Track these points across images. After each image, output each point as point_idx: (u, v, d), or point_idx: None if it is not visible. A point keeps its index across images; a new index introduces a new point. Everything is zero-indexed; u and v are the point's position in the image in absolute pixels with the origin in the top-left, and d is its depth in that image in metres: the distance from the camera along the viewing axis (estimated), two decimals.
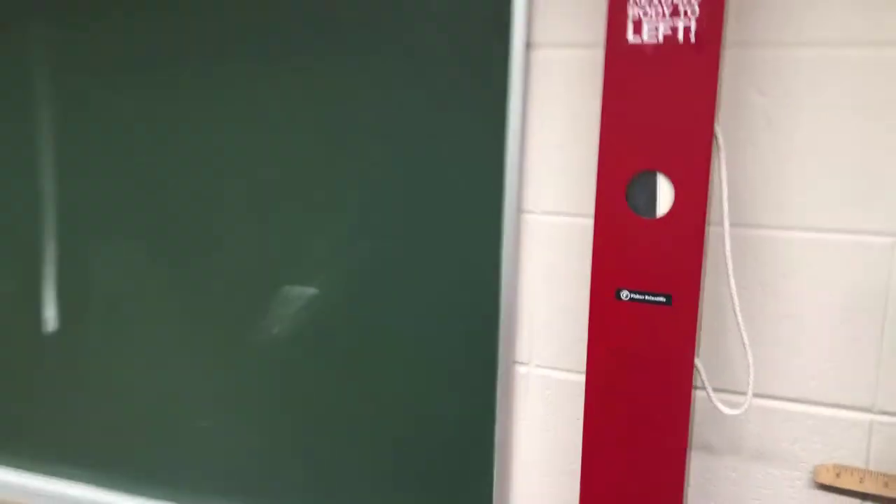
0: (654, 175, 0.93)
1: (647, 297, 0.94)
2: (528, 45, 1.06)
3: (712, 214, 1.01)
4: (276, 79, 1.17)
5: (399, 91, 1.11)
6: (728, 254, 0.97)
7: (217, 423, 1.30)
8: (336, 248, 1.18)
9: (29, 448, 1.43)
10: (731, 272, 0.97)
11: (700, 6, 0.88)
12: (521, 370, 1.14)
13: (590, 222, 1.06)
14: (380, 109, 1.12)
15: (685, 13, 0.88)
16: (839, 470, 1.01)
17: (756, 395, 1.03)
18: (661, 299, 0.94)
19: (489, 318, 1.12)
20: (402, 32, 1.10)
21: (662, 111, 0.91)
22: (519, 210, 1.10)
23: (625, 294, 0.95)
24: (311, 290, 1.22)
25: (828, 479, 1.01)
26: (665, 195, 0.93)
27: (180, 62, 1.22)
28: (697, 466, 1.08)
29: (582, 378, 1.10)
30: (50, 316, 1.38)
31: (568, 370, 1.11)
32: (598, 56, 1.03)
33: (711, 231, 1.02)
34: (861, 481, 1.00)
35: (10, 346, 1.41)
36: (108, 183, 1.30)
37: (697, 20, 0.88)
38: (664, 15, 0.89)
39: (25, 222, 1.36)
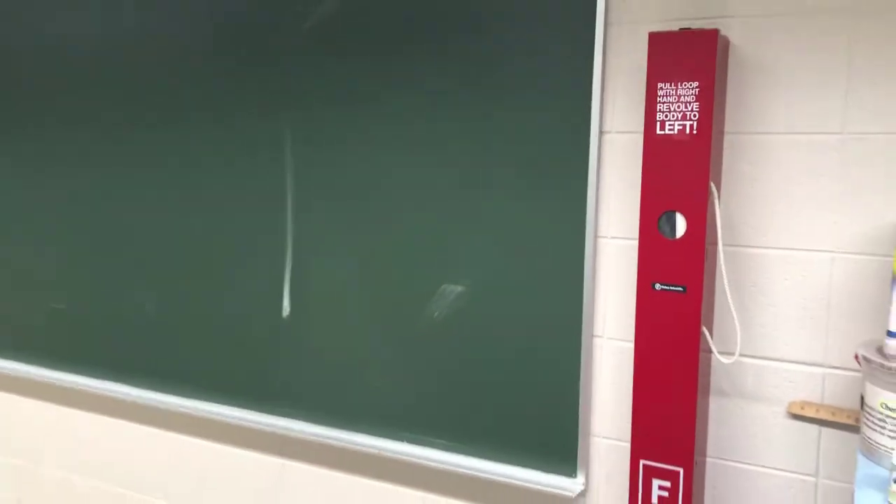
0: (675, 213, 1.53)
1: (671, 288, 1.54)
2: (601, 132, 1.69)
3: (713, 237, 1.59)
4: (447, 129, 1.84)
5: (519, 154, 1.75)
6: (721, 261, 1.55)
7: (396, 377, 1.95)
8: (474, 261, 1.82)
9: (271, 396, 2.13)
10: (724, 273, 1.55)
11: (699, 114, 1.48)
12: (597, 341, 1.74)
13: (636, 242, 1.66)
14: (511, 166, 1.77)
15: (690, 117, 1.49)
16: (803, 404, 1.56)
17: (748, 356, 1.59)
18: (680, 289, 1.53)
19: (576, 306, 1.73)
20: (520, 120, 1.74)
21: (678, 174, 1.51)
22: (596, 235, 1.71)
23: (658, 286, 1.55)
24: (459, 288, 1.86)
25: (795, 410, 1.56)
26: (681, 225, 1.52)
27: (373, 138, 1.91)
28: (714, 406, 1.64)
29: (633, 345, 1.69)
30: (286, 305, 2.08)
31: (625, 340, 1.70)
32: (640, 139, 1.64)
33: (718, 248, 1.60)
34: (817, 412, 1.54)
35: (260, 326, 2.12)
36: (324, 220, 1.99)
37: (697, 122, 1.48)
38: (678, 118, 1.50)
39: (274, 245, 2.08)
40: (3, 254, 2.53)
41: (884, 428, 1.30)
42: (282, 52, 2.00)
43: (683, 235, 1.52)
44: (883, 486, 1.25)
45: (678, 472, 1.56)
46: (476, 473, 1.85)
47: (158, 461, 2.38)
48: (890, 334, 1.30)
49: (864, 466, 1.32)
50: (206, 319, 2.19)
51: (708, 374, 1.63)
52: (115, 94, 2.26)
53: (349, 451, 2.06)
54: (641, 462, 1.60)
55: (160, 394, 2.29)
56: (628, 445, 1.72)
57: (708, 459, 1.66)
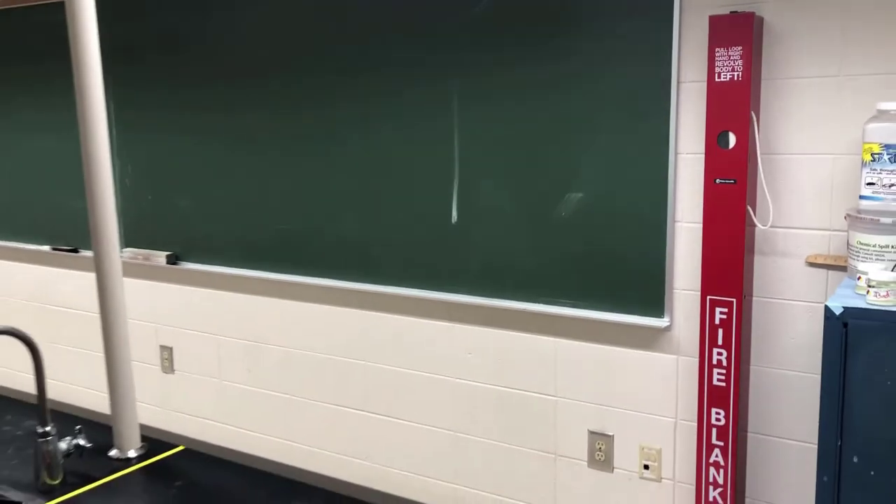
0: (728, 132, 2.35)
1: (726, 181, 2.37)
2: (679, 82, 2.52)
3: (754, 147, 2.40)
4: (576, 82, 2.70)
5: (622, 98, 2.59)
6: (759, 162, 2.37)
7: (534, 260, 2.83)
8: (589, 175, 2.67)
9: (444, 279, 3.03)
10: (761, 170, 2.38)
11: (742, 67, 2.30)
12: (677, 225, 2.58)
13: (702, 155, 2.49)
14: (616, 107, 2.61)
15: (736, 69, 2.31)
16: (816, 256, 2.37)
17: (778, 227, 2.41)
18: (732, 181, 2.36)
19: (662, 202, 2.57)
20: (623, 75, 2.58)
21: (731, 104, 2.34)
22: (676, 152, 2.55)
23: (717, 181, 2.38)
24: (579, 195, 2.72)
25: (811, 260, 2.38)
26: (732, 140, 2.35)
27: (515, 84, 2.78)
28: (757, 261, 2.47)
29: (700, 226, 2.52)
30: (454, 214, 2.98)
31: (695, 223, 2.54)
32: (704, 86, 2.46)
33: (757, 154, 2.41)
34: (825, 260, 2.36)
35: (435, 231, 3.03)
36: (480, 149, 2.87)
37: (741, 72, 2.30)
38: (729, 70, 2.32)
39: (445, 172, 2.97)
40: (243, 189, 3.51)
41: (857, 256, 2.12)
42: (451, 30, 2.89)
43: (734, 146, 2.35)
44: (853, 286, 2.07)
45: (732, 302, 2.41)
46: (592, 320, 2.73)
47: (355, 333, 3.33)
48: (860, 197, 2.11)
49: (846, 284, 2.14)
50: (394, 229, 3.12)
51: (752, 240, 2.46)
52: (329, 62, 3.19)
53: (500, 311, 2.97)
54: (708, 297, 2.44)
55: (359, 283, 3.23)
56: (698, 294, 2.57)
57: (753, 298, 2.50)
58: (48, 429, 1.63)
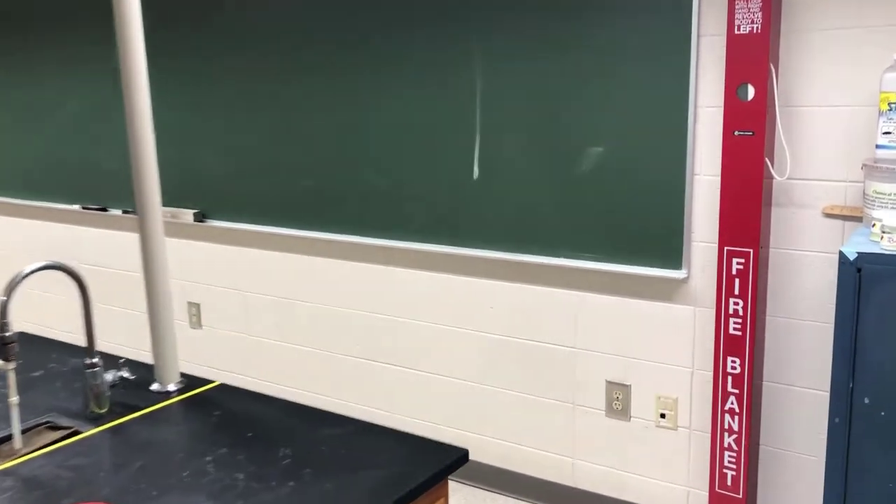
0: (747, 84, 2.39)
1: (745, 133, 2.41)
2: (699, 35, 2.55)
3: (772, 98, 2.44)
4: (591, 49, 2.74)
5: (642, 52, 2.63)
6: (777, 114, 2.41)
7: (556, 214, 2.89)
8: (609, 129, 2.72)
9: (467, 234, 3.10)
10: (779, 122, 2.41)
11: (762, 19, 2.33)
12: (696, 177, 2.63)
13: (721, 109, 2.52)
14: (636, 60, 2.65)
15: (755, 21, 2.34)
16: (833, 207, 2.42)
17: (795, 178, 2.45)
18: (750, 133, 2.40)
19: (681, 154, 2.61)
20: (645, 27, 2.62)
21: (750, 56, 2.37)
22: (696, 105, 2.58)
23: (736, 132, 2.42)
24: (599, 149, 2.77)
25: (828, 211, 2.42)
26: (751, 92, 2.39)
27: (535, 45, 2.82)
28: (774, 213, 2.52)
29: (718, 178, 2.57)
30: (476, 171, 3.04)
31: (714, 175, 2.59)
32: (724, 39, 2.49)
33: (775, 106, 2.45)
34: (842, 210, 2.40)
35: (458, 187, 3.09)
36: (503, 108, 2.92)
37: (761, 24, 2.33)
38: (748, 22, 2.35)
39: (467, 128, 3.02)
40: (269, 147, 3.58)
41: (873, 205, 2.16)
42: None
43: (752, 98, 2.39)
44: (868, 234, 2.12)
45: (749, 252, 2.46)
46: (612, 272, 2.79)
47: (382, 289, 3.42)
48: (877, 146, 2.15)
49: (861, 232, 2.19)
50: (417, 186, 3.18)
51: (770, 192, 2.51)
52: (352, 23, 3.24)
53: (522, 265, 3.04)
54: (725, 248, 2.50)
55: (384, 240, 3.31)
56: (716, 245, 2.62)
57: (770, 248, 2.55)
58: (95, 360, 1.73)
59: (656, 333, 2.79)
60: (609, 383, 2.92)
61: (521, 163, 2.92)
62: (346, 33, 3.24)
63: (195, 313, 4.07)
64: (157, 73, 3.85)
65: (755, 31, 2.35)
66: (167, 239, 4.07)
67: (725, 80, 2.42)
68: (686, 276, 2.67)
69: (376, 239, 3.33)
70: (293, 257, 3.67)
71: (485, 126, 2.98)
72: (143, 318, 4.06)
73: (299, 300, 3.69)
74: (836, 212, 2.42)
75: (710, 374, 2.70)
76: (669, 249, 2.69)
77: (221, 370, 4.04)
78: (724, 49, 2.47)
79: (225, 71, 3.62)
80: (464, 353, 3.24)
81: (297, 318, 3.71)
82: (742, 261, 2.47)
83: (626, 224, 2.75)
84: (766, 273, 2.56)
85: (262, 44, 3.48)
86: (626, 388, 2.88)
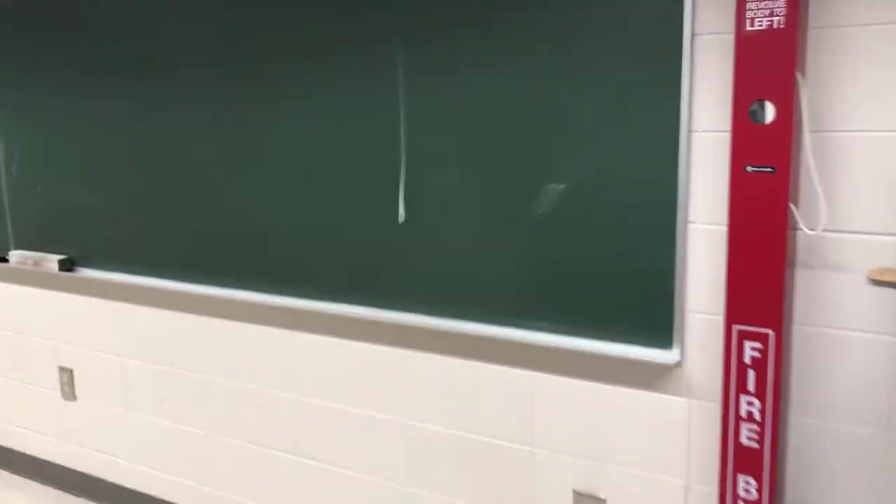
0: (764, 101, 1.70)
1: (761, 169, 1.72)
2: (693, 35, 1.86)
3: (800, 121, 1.76)
4: (545, 55, 2.04)
5: (615, 58, 1.94)
6: (808, 143, 1.72)
7: (504, 270, 2.18)
8: (574, 160, 2.02)
9: (391, 293, 2.38)
10: (810, 154, 1.73)
11: (786, 7, 1.65)
12: (691, 226, 1.94)
13: (728, 135, 1.84)
14: (608, 70, 1.96)
15: (777, 13, 1.65)
16: (882, 271, 1.73)
17: (831, 231, 1.77)
18: (769, 169, 1.71)
19: (671, 196, 1.92)
20: (616, 24, 1.93)
21: (767, 65, 1.69)
22: (690, 130, 1.89)
23: (749, 168, 1.73)
24: (560, 186, 2.07)
25: (875, 276, 1.74)
26: (770, 111, 1.70)
27: (488, 49, 2.12)
28: (801, 277, 1.83)
29: (725, 229, 1.88)
30: (402, 212, 2.33)
31: (717, 224, 1.90)
32: (730, 39, 1.81)
33: (805, 131, 1.77)
34: (893, 275, 1.72)
35: (379, 232, 2.37)
36: (435, 130, 2.22)
37: (785, 16, 1.65)
38: (765, 15, 1.67)
39: (389, 158, 2.31)
40: (151, 183, 2.83)
41: None
42: None
43: (773, 121, 1.70)
44: None
45: (768, 335, 1.77)
46: (580, 350, 2.08)
47: (286, 359, 2.67)
48: None
49: None
50: (329, 231, 2.45)
51: (794, 249, 1.82)
52: (236, 29, 2.51)
53: (463, 337, 2.32)
54: (734, 327, 1.80)
55: (288, 297, 2.57)
56: (721, 318, 1.93)
57: (795, 326, 1.86)
58: None
59: (639, 432, 2.09)
60: (577, 494, 2.20)
61: (461, 202, 2.21)
62: (238, 43, 2.51)
63: (67, 381, 3.28)
64: (18, 93, 3.07)
65: (777, 25, 1.67)
66: (30, 290, 3.29)
67: (734, 95, 1.74)
68: (678, 358, 1.98)
69: (278, 296, 2.59)
70: (178, 316, 2.91)
71: (413, 155, 2.27)
72: None
73: (185, 369, 2.92)
74: (886, 277, 1.74)
75: (714, 492, 2.00)
76: (655, 322, 1.99)
77: (98, 452, 3.25)
78: (731, 53, 1.78)
79: (100, 93, 2.86)
80: (386, 447, 2.51)
81: (182, 392, 2.95)
82: (759, 346, 1.78)
83: (599, 286, 2.04)
84: (791, 360, 1.87)
85: (142, 64, 2.73)
86: (599, 503, 2.17)
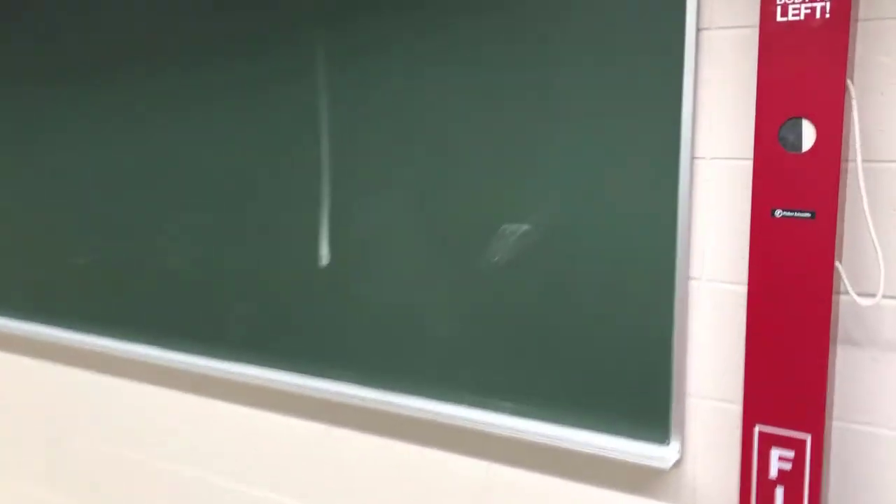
0: (800, 120, 1.22)
1: (796, 214, 1.24)
2: (699, 29, 1.38)
3: (848, 151, 1.28)
4: (496, 58, 1.55)
5: (594, 61, 1.46)
6: (861, 179, 1.25)
7: (453, 332, 1.69)
8: (542, 193, 1.54)
9: (312, 356, 1.89)
10: (864, 194, 1.25)
11: None
12: (694, 284, 1.45)
13: (744, 163, 1.36)
14: (585, 74, 1.47)
15: None
16: None
17: (891, 297, 1.29)
18: (807, 215, 1.23)
19: (668, 243, 1.44)
20: (604, 28, 1.45)
21: (804, 71, 1.21)
22: (693, 156, 1.41)
23: (778, 213, 1.25)
24: (524, 227, 1.59)
25: None
26: (809, 135, 1.22)
27: (420, 51, 1.63)
28: (843, 357, 1.35)
29: (744, 289, 1.40)
30: (324, 254, 1.83)
31: (729, 282, 1.41)
32: (751, 35, 1.33)
33: (849, 164, 1.29)
34: None
35: (296, 279, 1.87)
36: (366, 151, 1.72)
37: (830, 1, 1.17)
38: (804, 1, 1.19)
39: (307, 183, 1.81)
40: (20, 210, 2.31)
41: None
42: None
43: (812, 147, 1.22)
44: None
45: (804, 441, 1.28)
46: (548, 441, 1.59)
47: (189, 429, 2.16)
48: None
49: None
50: (239, 273, 1.95)
51: (837, 320, 1.34)
52: (119, 34, 2.01)
53: (401, 416, 1.82)
54: (757, 428, 1.32)
55: (193, 356, 2.06)
56: (735, 407, 1.44)
57: (835, 423, 1.37)
58: None
59: None
60: None
61: (398, 242, 1.72)
62: (125, 43, 2.00)
63: None
64: None
65: (820, 16, 1.19)
66: None
67: (757, 111, 1.25)
68: (677, 456, 1.49)
69: (178, 353, 2.08)
70: (66, 372, 2.39)
71: (339, 180, 1.78)
72: None
73: (77, 435, 2.40)
74: None
75: None
76: (647, 407, 1.51)
77: None
78: (753, 53, 1.31)
79: None
80: None
81: (71, 463, 2.42)
82: (791, 454, 1.30)
83: (571, 357, 1.56)
84: (829, 472, 1.39)
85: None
86: None
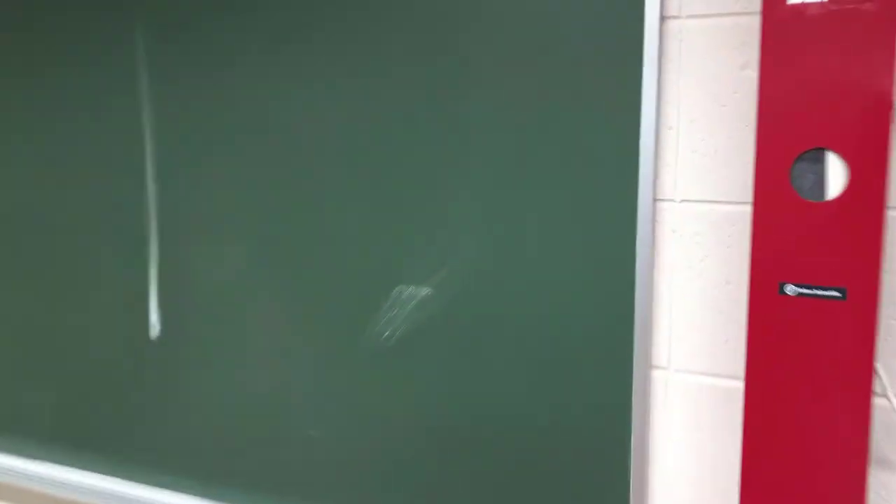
0: (824, 153, 0.82)
1: (817, 292, 0.83)
2: (663, 17, 0.97)
3: (892, 197, 0.89)
4: (384, 64, 1.11)
5: (521, 70, 1.03)
6: None
7: (326, 432, 1.23)
8: (453, 245, 1.10)
9: (131, 456, 1.39)
10: None
11: None
12: (658, 375, 1.04)
13: (737, 209, 0.96)
14: (498, 86, 1.04)
15: None
16: None
17: None
18: (835, 294, 0.83)
19: (622, 317, 1.02)
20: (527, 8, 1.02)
21: (832, 79, 0.80)
22: (654, 198, 1.00)
23: (790, 289, 0.84)
24: (425, 291, 1.14)
25: None
26: (837, 175, 0.82)
27: (282, 55, 1.17)
28: (875, 484, 0.96)
29: (732, 384, 0.99)
30: (154, 322, 1.34)
31: (716, 375, 1.00)
32: (743, 23, 0.92)
33: (891, 216, 0.90)
34: None
35: (117, 355, 1.38)
36: (210, 182, 1.25)
37: None
38: None
39: (129, 226, 1.33)
40: None
41: None
42: None
43: (844, 193, 0.81)
44: None
45: None
46: None
47: None
48: None
49: None
50: (38, 351, 1.44)
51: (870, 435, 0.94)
52: None
53: None
54: None
55: None
56: None
57: None
58: None
59: None
60: None
61: (250, 306, 1.25)
62: None
63: None
64: None
65: None
66: None
67: (758, 138, 0.84)
68: None
69: None
70: None
71: (169, 222, 1.29)
72: None
73: None
74: None
75: None
76: None
77: None
78: (753, 50, 0.90)
79: None
80: None
81: None
82: None
83: (484, 470, 1.12)
84: None
85: None
86: None
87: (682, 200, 0.99)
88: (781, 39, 0.82)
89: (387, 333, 1.17)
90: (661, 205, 1.00)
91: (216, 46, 1.22)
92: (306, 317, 1.21)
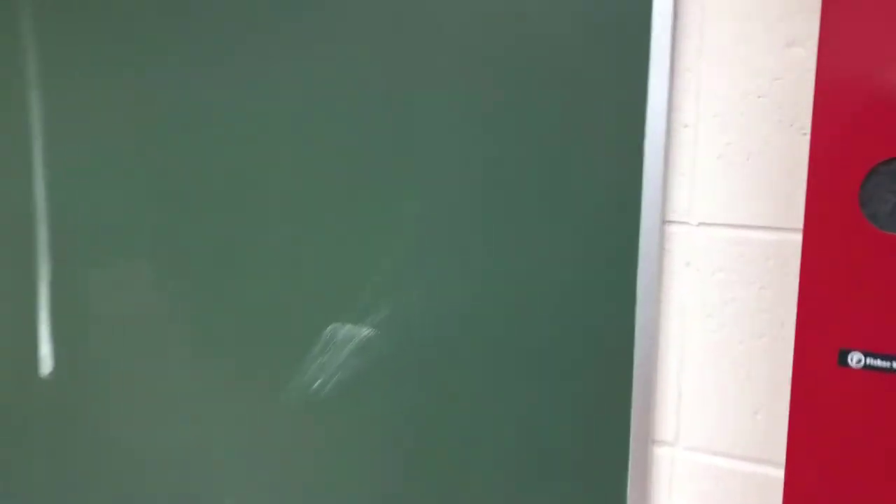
0: None
1: (894, 365, 0.58)
2: (677, 3, 0.72)
3: None
4: (322, 64, 0.86)
5: (461, 80, 0.78)
6: None
7: (243, 500, 0.98)
8: (397, 277, 0.85)
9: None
10: None
11: None
12: (661, 452, 0.79)
13: (779, 238, 0.71)
14: (465, 77, 0.80)
15: None
16: None
17: None
18: None
19: (617, 378, 0.77)
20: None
21: None
22: (663, 220, 0.75)
23: (855, 358, 0.59)
24: (364, 331, 0.89)
25: None
26: None
27: (193, 48, 0.92)
28: None
29: (764, 470, 0.74)
30: (45, 355, 1.10)
31: (741, 458, 0.75)
32: None
33: None
34: None
35: (2, 393, 1.13)
36: (112, 187, 1.00)
37: None
38: None
39: (13, 238, 1.08)
40: None
41: None
42: None
43: None
44: None
45: None
46: None
47: None
48: None
49: None
50: None
51: None
52: None
53: None
54: None
55: None
56: None
57: None
58: None
59: None
60: None
61: (164, 340, 1.00)
62: None
63: None
64: None
65: None
66: None
67: (813, 140, 0.59)
68: None
69: None
70: None
71: (62, 236, 1.05)
72: None
73: None
74: None
75: None
76: None
77: None
78: (809, 29, 0.65)
79: None
80: None
81: None
82: None
83: None
84: None
85: None
86: None
87: (701, 224, 0.74)
88: (852, 2, 0.56)
89: (316, 384, 0.92)
90: (671, 229, 0.75)
91: (118, 23, 0.97)
92: (221, 361, 0.97)
